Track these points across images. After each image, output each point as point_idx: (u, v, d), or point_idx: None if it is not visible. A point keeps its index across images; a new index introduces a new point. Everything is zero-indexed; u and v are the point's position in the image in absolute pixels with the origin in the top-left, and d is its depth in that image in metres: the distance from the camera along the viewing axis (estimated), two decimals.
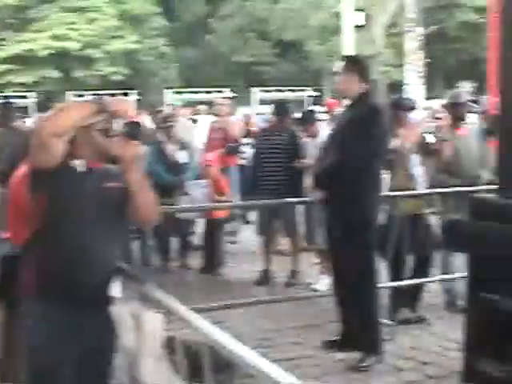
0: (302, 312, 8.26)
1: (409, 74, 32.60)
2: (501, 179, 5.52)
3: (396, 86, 35.77)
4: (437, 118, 8.03)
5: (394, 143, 7.59)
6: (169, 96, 30.25)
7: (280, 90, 32.97)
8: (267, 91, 33.07)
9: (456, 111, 8.32)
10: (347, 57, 8.06)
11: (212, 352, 3.53)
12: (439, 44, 42.31)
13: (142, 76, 44.20)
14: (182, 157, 10.46)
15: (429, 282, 8.30)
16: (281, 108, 10.00)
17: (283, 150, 9.44)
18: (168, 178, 10.12)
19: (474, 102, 9.26)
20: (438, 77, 44.57)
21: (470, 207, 5.78)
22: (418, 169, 7.96)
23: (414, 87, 31.77)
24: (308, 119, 10.01)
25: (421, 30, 33.36)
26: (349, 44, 30.83)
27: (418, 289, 8.06)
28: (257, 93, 32.52)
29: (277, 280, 9.61)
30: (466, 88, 32.82)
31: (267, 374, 2.73)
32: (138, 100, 29.05)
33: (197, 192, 9.94)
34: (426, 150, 7.99)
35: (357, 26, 32.46)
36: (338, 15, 34.57)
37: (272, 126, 10.04)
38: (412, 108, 8.67)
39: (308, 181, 6.90)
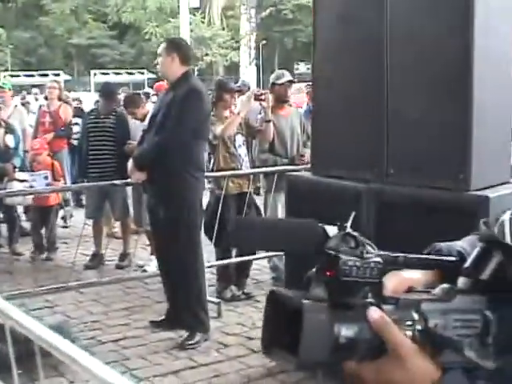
0: (131, 294, 8.33)
1: (243, 55, 33.02)
2: (312, 157, 5.75)
3: (234, 68, 36.19)
4: (260, 99, 8.16)
5: (219, 124, 7.71)
6: (5, 79, 29.53)
7: (119, 73, 32.75)
8: (106, 74, 32.78)
9: (277, 92, 8.51)
10: (168, 39, 8.11)
11: (20, 339, 3.53)
12: (276, 26, 42.96)
13: None
14: (9, 141, 10.26)
15: (256, 259, 8.49)
16: (108, 90, 9.94)
17: (111, 132, 9.38)
18: None
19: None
20: (275, 58, 45.30)
21: (286, 185, 6.00)
22: (242, 149, 8.11)
23: (248, 69, 32.22)
24: (137, 101, 10.00)
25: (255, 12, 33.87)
26: (185, 26, 30.93)
27: (245, 266, 8.24)
28: (96, 76, 32.20)
29: (108, 263, 9.59)
30: (301, 69, 33.53)
31: (75, 359, 2.72)
32: None
33: (39, 183, 9.72)
34: (249, 130, 8.15)
35: (193, 8, 32.67)
36: None
37: (99, 108, 9.95)
38: (237, 90, 8.78)
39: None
